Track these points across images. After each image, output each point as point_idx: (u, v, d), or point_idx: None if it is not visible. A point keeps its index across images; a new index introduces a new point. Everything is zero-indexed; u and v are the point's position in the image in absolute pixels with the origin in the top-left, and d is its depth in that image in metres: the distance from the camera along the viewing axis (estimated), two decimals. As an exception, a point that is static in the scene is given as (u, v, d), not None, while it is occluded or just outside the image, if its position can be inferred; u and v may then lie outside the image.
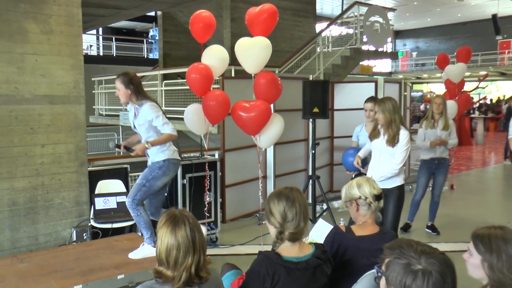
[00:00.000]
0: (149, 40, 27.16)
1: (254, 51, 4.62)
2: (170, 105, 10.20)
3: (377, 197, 2.80)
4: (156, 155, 4.15)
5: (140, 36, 28.17)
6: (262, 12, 4.60)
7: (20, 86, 4.87)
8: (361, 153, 4.91)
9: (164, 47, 14.93)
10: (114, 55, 23.66)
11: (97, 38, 26.25)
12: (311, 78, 8.19)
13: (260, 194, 5.85)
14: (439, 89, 27.67)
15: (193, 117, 4.92)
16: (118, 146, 4.14)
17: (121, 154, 4.04)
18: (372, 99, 5.26)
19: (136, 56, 24.38)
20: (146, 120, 4.07)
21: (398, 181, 4.29)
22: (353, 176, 5.23)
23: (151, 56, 25.87)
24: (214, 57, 4.76)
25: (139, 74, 14.28)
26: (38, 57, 4.95)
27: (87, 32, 20.56)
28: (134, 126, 4.18)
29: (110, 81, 13.81)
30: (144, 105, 4.08)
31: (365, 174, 4.94)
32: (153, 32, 27.03)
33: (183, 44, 14.65)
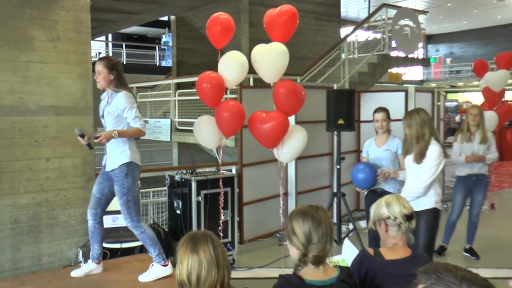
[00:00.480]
0: (162, 47, 27.48)
1: (269, 58, 4.63)
2: (185, 116, 10.28)
3: (408, 217, 2.76)
4: (117, 157, 4.13)
5: (152, 43, 28.50)
6: (281, 13, 4.60)
7: (25, 96, 4.96)
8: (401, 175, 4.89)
9: (178, 54, 15.09)
10: (125, 62, 23.99)
11: (106, 45, 26.64)
12: (335, 87, 8.17)
13: (281, 212, 5.83)
14: (476, 98, 27.33)
15: (203, 129, 4.94)
16: (83, 135, 4.06)
17: (82, 144, 4.06)
18: (382, 109, 5.26)
19: (148, 64, 24.66)
20: (117, 109, 4.08)
21: (427, 203, 4.17)
22: (365, 193, 5.24)
23: (163, 63, 26.15)
24: (232, 64, 4.78)
25: (150, 83, 14.50)
26: (44, 65, 5.04)
27: (95, 39, 20.92)
28: (103, 115, 4.17)
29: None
30: (120, 92, 4.11)
31: (380, 191, 5.00)
32: (166, 38, 27.33)
33: (198, 50, 14.79)
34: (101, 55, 25.43)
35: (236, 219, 6.28)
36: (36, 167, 5.04)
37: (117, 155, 4.14)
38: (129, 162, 4.12)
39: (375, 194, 5.04)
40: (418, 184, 4.13)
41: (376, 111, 5.23)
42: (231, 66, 4.77)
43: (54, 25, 5.15)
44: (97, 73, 4.11)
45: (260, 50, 4.71)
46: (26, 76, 4.97)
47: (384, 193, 4.96)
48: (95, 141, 4.01)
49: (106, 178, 4.21)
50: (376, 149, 5.19)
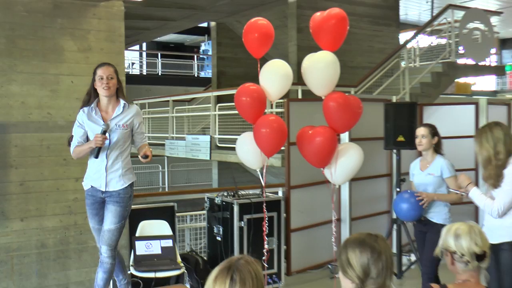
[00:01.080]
0: (201, 56, 27.89)
1: (318, 68, 4.61)
2: (226, 132, 10.35)
3: (478, 257, 2.62)
4: (123, 177, 4.31)
5: (190, 52, 28.93)
6: (329, 18, 4.51)
7: (53, 112, 5.12)
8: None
9: (218, 63, 15.28)
10: (160, 74, 24.45)
11: (140, 55, 27.26)
12: (394, 100, 8.08)
13: (333, 240, 5.75)
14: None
15: (245, 147, 4.95)
16: (105, 133, 4.19)
17: (96, 142, 4.19)
18: (425, 124, 5.08)
19: (185, 75, 24.99)
20: (131, 123, 4.31)
21: (507, 235, 3.79)
22: (414, 224, 5.06)
23: (202, 74, 26.51)
24: (274, 75, 4.79)
25: (188, 96, 14.71)
26: (74, 78, 5.20)
27: (129, 48, 21.43)
28: (104, 126, 4.21)
29: (154, 105, 14.25)
30: (133, 105, 4.37)
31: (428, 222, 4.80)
32: (205, 46, 27.72)
33: (240, 60, 14.92)
34: (135, 66, 26.07)
35: (283, 247, 6.23)
36: (64, 187, 5.17)
37: (122, 174, 4.30)
38: (132, 183, 4.39)
39: (420, 223, 4.92)
40: (494, 204, 3.79)
41: (419, 125, 5.12)
42: (273, 77, 4.77)
43: (86, 35, 5.32)
44: (107, 78, 4.20)
45: (308, 59, 4.70)
46: (55, 90, 5.14)
47: (428, 223, 4.85)
48: (143, 160, 4.21)
49: (100, 205, 4.32)
50: (419, 173, 4.99)
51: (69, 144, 4.28)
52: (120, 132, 4.23)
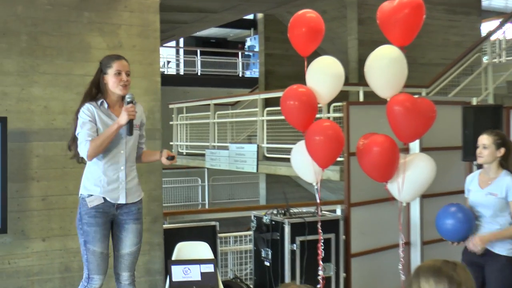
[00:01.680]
0: (246, 53, 28.01)
1: (381, 65, 4.56)
2: (276, 140, 10.36)
3: None
4: (138, 187, 4.43)
5: (234, 48, 29.08)
6: (401, 6, 4.40)
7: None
8: None
9: (266, 61, 15.34)
10: (199, 73, 24.65)
11: (177, 52, 27.48)
12: (474, 102, 7.92)
13: (400, 267, 5.66)
14: None
15: (300, 158, 4.94)
16: (132, 102, 4.27)
17: (124, 115, 4.25)
18: (491, 131, 4.65)
19: (228, 75, 25.06)
20: (141, 122, 4.45)
21: None
22: (455, 245, 4.81)
23: (248, 74, 26.59)
24: (322, 74, 4.78)
25: (231, 99, 14.83)
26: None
27: (164, 45, 21.69)
28: (131, 96, 4.29)
29: (193, 109, 14.39)
30: (138, 104, 4.42)
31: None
32: (251, 41, 27.83)
33: (291, 57, 14.90)
34: (170, 65, 26.40)
35: (342, 274, 6.18)
36: (92, 204, 5.26)
37: (138, 182, 4.42)
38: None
39: (474, 254, 4.59)
40: None
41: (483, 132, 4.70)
42: (321, 78, 4.76)
43: (116, 30, 5.42)
44: (125, 74, 4.27)
45: (371, 56, 4.67)
46: (81, 92, 5.21)
47: (487, 253, 4.52)
48: (168, 162, 4.32)
49: (110, 224, 4.33)
50: (477, 191, 4.67)
51: (69, 149, 4.34)
52: (134, 134, 4.32)
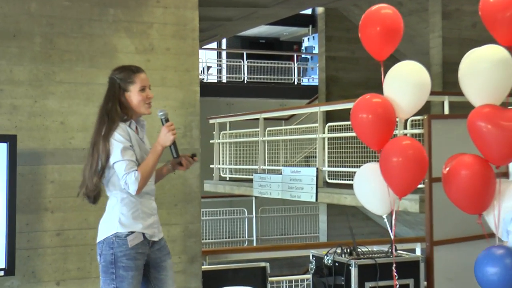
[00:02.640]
0: (303, 56, 27.99)
1: (479, 69, 4.52)
2: (339, 163, 10.31)
3: None
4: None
5: (288, 50, 29.07)
6: None
7: (103, 135, 5.32)
8: None
9: (328, 66, 15.27)
10: (245, 81, 24.64)
11: (219, 55, 27.60)
12: None
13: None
14: None
15: (370, 185, 4.92)
16: (167, 120, 4.35)
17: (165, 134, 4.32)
18: None
19: (281, 83, 24.98)
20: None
21: None
22: None
23: (305, 81, 26.45)
24: (404, 82, 4.75)
25: (285, 113, 14.84)
26: (130, 88, 5.40)
27: (203, 47, 21.81)
28: (164, 112, 4.39)
29: (238, 125, 14.37)
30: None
31: None
32: (309, 42, 27.72)
33: (359, 60, 14.85)
34: (211, 71, 26.54)
35: (423, 332, 6.12)
36: (117, 239, 5.33)
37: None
38: None
39: None
40: None
41: None
42: (403, 87, 4.73)
43: (147, 30, 5.52)
44: (148, 89, 4.38)
45: (466, 58, 4.61)
46: (105, 105, 5.35)
47: None
48: (189, 163, 4.46)
49: (144, 264, 4.36)
50: None
51: (85, 186, 4.37)
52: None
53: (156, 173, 4.48)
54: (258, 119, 12.73)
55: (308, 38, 27.97)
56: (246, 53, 26.06)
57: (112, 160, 4.17)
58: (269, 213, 17.77)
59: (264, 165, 12.34)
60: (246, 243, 17.05)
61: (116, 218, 4.26)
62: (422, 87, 4.78)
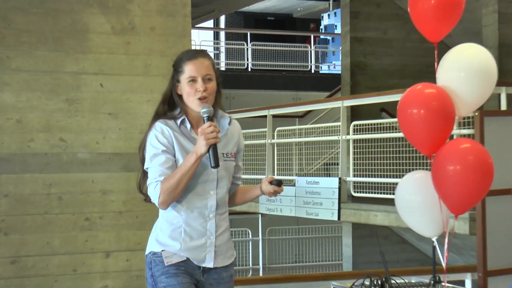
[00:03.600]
0: (321, 37, 28.03)
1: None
2: (368, 172, 10.27)
3: None
4: (229, 244, 4.49)
5: (303, 29, 29.12)
6: None
7: (70, 137, 5.29)
8: None
9: (354, 49, 15.24)
10: (249, 69, 24.61)
11: (216, 37, 27.63)
12: None
13: None
14: None
15: (415, 199, 4.90)
16: (211, 119, 4.23)
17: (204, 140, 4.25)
18: None
19: (294, 70, 25.01)
20: (238, 148, 4.49)
21: None
22: None
23: (324, 69, 26.52)
24: (465, 69, 4.73)
25: (298, 108, 14.86)
26: (104, 79, 5.37)
27: (196, 26, 21.75)
28: (207, 109, 4.24)
29: (241, 123, 14.31)
30: (232, 118, 4.45)
31: None
32: (329, 19, 27.80)
33: (393, 43, 14.83)
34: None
35: None
36: (87, 267, 5.29)
37: (229, 238, 4.47)
38: None
39: None
40: None
41: None
42: (464, 73, 4.71)
43: (126, 5, 5.48)
44: (203, 80, 4.24)
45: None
46: (73, 99, 5.30)
47: None
48: (270, 189, 4.30)
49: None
50: None
51: (140, 189, 4.37)
52: (228, 166, 4.38)
53: (243, 193, 4.62)
54: (265, 116, 12.73)
55: (329, 15, 28.04)
56: (251, 34, 26.09)
57: (145, 165, 4.30)
58: (279, 235, 17.71)
59: (274, 175, 12.32)
60: (251, 273, 17.00)
61: (154, 235, 4.37)
62: (487, 75, 4.74)
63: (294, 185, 10.86)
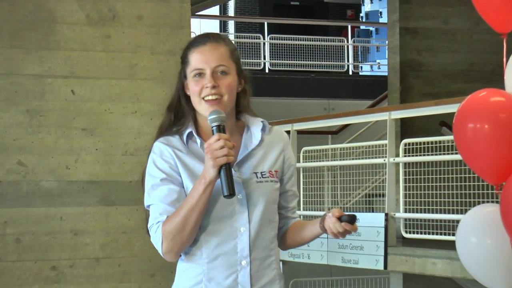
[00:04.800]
0: (361, 28, 28.13)
1: None
2: (425, 206, 10.27)
3: None
4: (278, 270, 4.31)
5: (337, 18, 29.28)
6: None
7: (32, 160, 5.31)
8: None
9: (405, 44, 15.21)
10: (267, 69, 24.65)
11: (223, 27, 27.83)
12: None
13: None
14: None
15: (483, 241, 4.92)
16: (221, 129, 4.04)
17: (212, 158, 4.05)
18: None
19: (326, 72, 25.10)
20: (281, 164, 4.19)
21: None
22: None
23: (366, 70, 26.63)
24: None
25: (332, 122, 14.89)
26: (76, 84, 5.39)
27: (197, 13, 21.85)
28: (216, 114, 4.04)
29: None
30: (272, 126, 4.24)
31: None
32: (373, 5, 27.96)
33: (456, 35, 14.79)
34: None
35: None
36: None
37: (279, 275, 4.30)
38: None
39: None
40: None
41: None
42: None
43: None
44: (213, 73, 4.09)
45: None
46: (36, 110, 5.33)
47: None
48: (340, 229, 4.11)
49: None
50: None
51: (149, 231, 4.22)
52: (266, 189, 4.15)
53: (299, 230, 4.36)
54: (288, 132, 12.77)
55: (370, 1, 28.16)
56: (268, 24, 26.26)
57: (144, 203, 4.05)
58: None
59: (299, 209, 12.34)
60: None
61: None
62: None
63: (326, 222, 10.88)
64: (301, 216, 12.10)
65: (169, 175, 3.94)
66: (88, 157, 5.46)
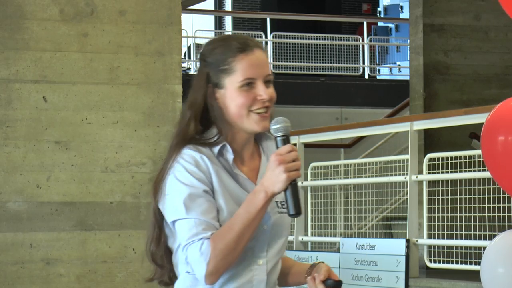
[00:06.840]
0: (379, 24, 28.14)
1: None
2: (451, 229, 10.27)
3: None
4: None
5: (351, 13, 29.38)
6: None
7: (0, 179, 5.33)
8: None
9: (430, 43, 15.29)
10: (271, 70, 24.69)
11: (218, 24, 27.93)
12: None
13: None
14: None
15: (507, 274, 4.94)
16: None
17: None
18: None
19: (338, 76, 25.13)
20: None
21: None
22: None
23: (384, 73, 26.66)
24: None
25: (346, 134, 14.92)
26: (48, 89, 5.39)
27: (189, 8, 21.87)
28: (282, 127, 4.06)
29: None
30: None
31: None
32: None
33: (489, 33, 14.86)
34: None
35: None
36: None
37: None
38: None
39: None
40: None
41: None
42: None
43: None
44: (263, 83, 4.06)
45: None
46: (2, 120, 5.33)
47: None
48: None
49: None
50: None
51: (155, 258, 4.19)
52: (286, 220, 4.15)
53: (292, 270, 4.39)
54: (294, 145, 12.76)
55: (395, -6, 28.26)
56: (271, 20, 26.30)
57: (169, 215, 3.94)
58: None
59: (307, 235, 12.35)
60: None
61: None
62: None
63: (338, 250, 10.89)
64: (309, 243, 12.11)
65: (207, 185, 3.89)
66: (62, 175, 5.46)
